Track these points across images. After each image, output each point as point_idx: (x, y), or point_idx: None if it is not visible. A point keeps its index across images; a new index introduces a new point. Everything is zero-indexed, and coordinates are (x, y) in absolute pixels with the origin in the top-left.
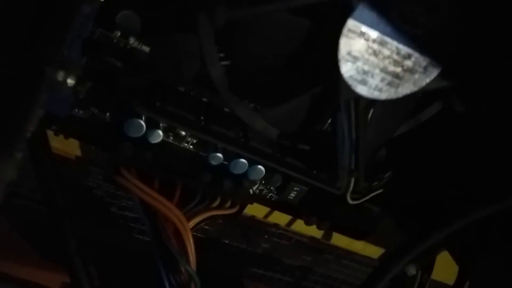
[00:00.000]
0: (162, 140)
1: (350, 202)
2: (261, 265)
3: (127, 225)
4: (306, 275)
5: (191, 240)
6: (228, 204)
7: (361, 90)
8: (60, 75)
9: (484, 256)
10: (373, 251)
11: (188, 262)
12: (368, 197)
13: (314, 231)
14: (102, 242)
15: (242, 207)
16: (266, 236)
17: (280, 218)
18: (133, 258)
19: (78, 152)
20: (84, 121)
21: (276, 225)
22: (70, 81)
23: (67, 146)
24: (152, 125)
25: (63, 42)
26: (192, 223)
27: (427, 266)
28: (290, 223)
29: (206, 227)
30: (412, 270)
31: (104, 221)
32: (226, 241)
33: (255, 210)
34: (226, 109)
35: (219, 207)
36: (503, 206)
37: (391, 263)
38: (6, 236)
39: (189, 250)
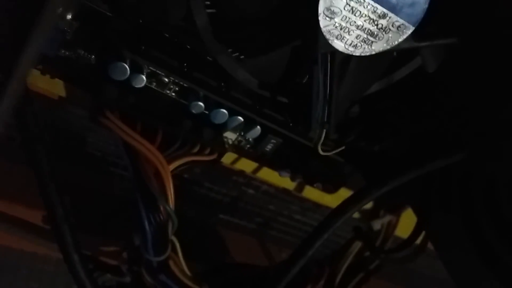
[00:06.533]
0: (145, 86)
1: (321, 153)
2: (229, 212)
3: (108, 169)
4: (270, 223)
5: (171, 182)
6: (207, 151)
7: (337, 45)
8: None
9: (443, 209)
10: None
11: (167, 201)
12: (338, 150)
13: (287, 183)
14: (81, 185)
15: (221, 155)
16: (234, 184)
17: (248, 165)
18: (112, 202)
19: (62, 93)
20: (70, 62)
21: (243, 172)
22: (68, 16)
23: (52, 87)
24: (136, 70)
25: None
26: (172, 166)
27: (392, 223)
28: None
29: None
30: (377, 225)
31: (84, 164)
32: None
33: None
34: (209, 58)
35: (199, 153)
36: (452, 160)
37: (347, 206)
38: None
39: (168, 190)
